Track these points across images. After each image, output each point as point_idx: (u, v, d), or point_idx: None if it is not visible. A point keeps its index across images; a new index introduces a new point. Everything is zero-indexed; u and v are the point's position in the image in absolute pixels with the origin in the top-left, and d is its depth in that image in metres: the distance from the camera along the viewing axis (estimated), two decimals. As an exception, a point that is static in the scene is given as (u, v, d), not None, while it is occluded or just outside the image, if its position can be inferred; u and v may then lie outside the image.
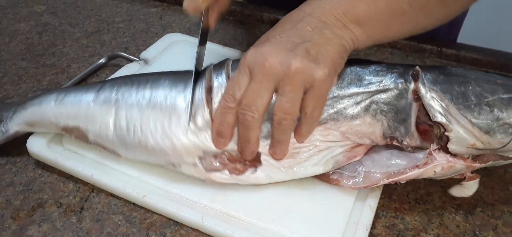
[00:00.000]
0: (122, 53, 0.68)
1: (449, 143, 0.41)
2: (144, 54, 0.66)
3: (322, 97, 0.41)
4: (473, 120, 0.40)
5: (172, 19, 0.82)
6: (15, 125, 0.51)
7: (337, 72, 0.42)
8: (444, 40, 0.68)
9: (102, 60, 0.67)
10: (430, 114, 0.41)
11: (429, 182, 0.47)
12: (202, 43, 0.50)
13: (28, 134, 0.51)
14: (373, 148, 0.45)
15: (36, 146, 0.50)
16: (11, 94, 0.62)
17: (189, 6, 0.45)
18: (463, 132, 0.41)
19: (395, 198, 0.46)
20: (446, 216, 0.44)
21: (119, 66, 0.64)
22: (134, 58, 0.66)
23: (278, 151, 0.44)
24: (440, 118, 0.41)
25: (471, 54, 0.65)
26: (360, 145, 0.45)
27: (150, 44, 0.69)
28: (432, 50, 0.67)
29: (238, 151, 0.44)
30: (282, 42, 0.41)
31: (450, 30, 0.76)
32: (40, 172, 0.49)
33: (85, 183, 0.48)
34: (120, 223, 0.44)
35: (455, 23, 0.77)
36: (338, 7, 0.42)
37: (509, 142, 0.40)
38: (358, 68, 0.44)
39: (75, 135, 0.49)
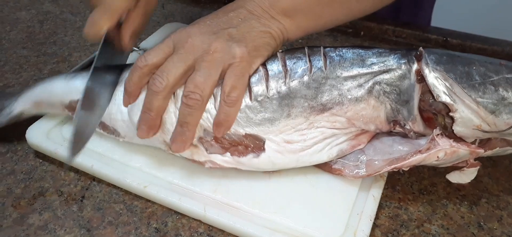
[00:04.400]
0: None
1: (454, 124, 0.41)
2: (144, 44, 0.65)
3: (241, 77, 0.42)
4: (478, 99, 0.40)
5: (174, 8, 0.81)
6: (21, 104, 0.50)
7: (260, 56, 0.43)
8: (443, 29, 0.67)
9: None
10: (434, 95, 0.41)
11: (433, 173, 0.47)
12: (106, 69, 0.47)
13: (29, 122, 0.51)
14: (375, 136, 0.44)
15: (35, 136, 0.49)
16: (12, 82, 0.61)
17: (89, 31, 0.45)
18: (468, 111, 0.40)
19: (399, 188, 0.46)
20: (451, 207, 0.44)
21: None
22: (134, 48, 0.65)
23: (178, 139, 0.42)
24: (444, 98, 0.40)
25: (476, 44, 0.64)
26: (363, 132, 0.44)
27: (151, 33, 0.69)
28: (437, 40, 0.66)
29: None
30: (210, 26, 0.43)
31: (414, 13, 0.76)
32: (41, 161, 0.49)
33: (87, 173, 0.47)
34: (121, 212, 0.44)
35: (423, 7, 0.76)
36: (265, 0, 0.44)
37: None
38: (361, 51, 0.44)
39: None
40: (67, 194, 0.45)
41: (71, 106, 0.49)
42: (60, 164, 0.49)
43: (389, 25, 0.69)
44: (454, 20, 0.81)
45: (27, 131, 0.50)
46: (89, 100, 0.44)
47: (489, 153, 0.44)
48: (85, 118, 0.43)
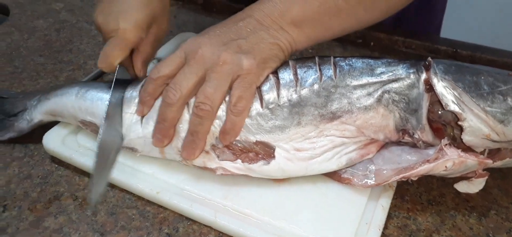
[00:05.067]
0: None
1: (463, 133, 0.41)
2: (158, 53, 0.66)
3: (248, 88, 0.43)
4: (487, 108, 0.40)
5: (186, 18, 0.82)
6: (39, 114, 0.52)
7: (268, 68, 0.44)
8: (453, 40, 0.68)
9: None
10: (443, 103, 0.41)
11: (442, 183, 0.47)
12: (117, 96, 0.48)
13: (45, 128, 0.52)
14: (384, 146, 0.45)
15: (51, 143, 0.50)
16: (29, 89, 0.63)
17: (102, 64, 0.47)
18: (477, 120, 0.41)
19: (408, 198, 0.46)
20: (459, 218, 0.44)
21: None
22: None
23: (188, 147, 0.44)
24: (453, 107, 0.41)
25: (486, 56, 0.65)
26: (373, 142, 0.45)
27: (164, 43, 0.70)
28: (446, 51, 0.67)
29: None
30: (220, 36, 0.44)
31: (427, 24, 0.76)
32: (56, 166, 0.50)
33: (100, 178, 0.48)
34: (134, 217, 0.45)
35: (434, 17, 0.77)
36: (274, 11, 0.45)
37: None
38: (370, 61, 0.45)
39: (91, 129, 0.50)
40: (82, 198, 0.47)
41: (83, 123, 0.50)
42: (75, 169, 0.50)
43: (398, 36, 0.69)
44: (464, 32, 0.82)
45: (44, 137, 0.51)
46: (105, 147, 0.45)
47: (498, 163, 0.44)
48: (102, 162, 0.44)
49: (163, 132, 0.44)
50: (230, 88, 0.43)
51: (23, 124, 0.52)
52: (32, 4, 0.88)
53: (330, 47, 0.71)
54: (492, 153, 0.44)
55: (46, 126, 0.53)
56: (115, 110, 0.47)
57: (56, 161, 0.51)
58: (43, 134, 0.51)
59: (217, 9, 0.86)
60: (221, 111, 0.44)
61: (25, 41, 0.75)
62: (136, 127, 0.47)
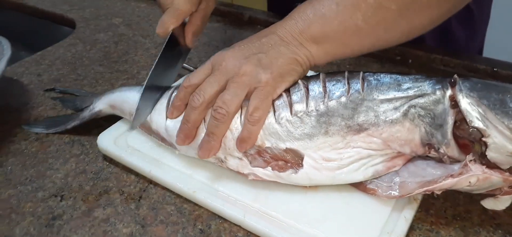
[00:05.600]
0: (185, 64, 0.74)
1: (487, 149, 0.42)
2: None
3: (264, 99, 0.47)
4: (511, 125, 0.41)
5: (233, 33, 0.87)
6: (101, 104, 0.60)
7: (285, 82, 0.48)
8: (494, 59, 0.67)
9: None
10: (467, 120, 0.42)
11: (469, 200, 0.48)
12: (172, 58, 0.59)
13: (99, 129, 0.58)
14: (410, 160, 0.46)
15: (105, 142, 0.56)
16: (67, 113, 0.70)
17: (159, 29, 0.56)
18: (501, 137, 0.41)
19: (433, 212, 0.47)
20: (483, 234, 0.44)
21: (181, 76, 0.70)
22: (194, 69, 0.72)
23: (204, 147, 0.48)
24: (477, 123, 0.42)
25: (527, 76, 0.64)
26: (399, 155, 0.46)
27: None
28: (485, 70, 0.66)
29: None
30: (243, 50, 0.49)
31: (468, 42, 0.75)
32: (107, 164, 0.56)
33: (145, 177, 0.53)
34: (172, 213, 0.49)
35: (474, 36, 0.76)
36: (295, 28, 0.48)
37: None
38: (398, 76, 0.47)
39: (144, 128, 0.56)
40: (127, 193, 0.52)
41: None
42: (123, 167, 0.55)
43: (437, 54, 0.70)
44: (507, 52, 0.80)
45: (98, 138, 0.57)
46: (152, 84, 0.55)
47: (526, 182, 0.44)
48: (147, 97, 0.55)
49: (186, 132, 0.49)
50: (248, 98, 0.47)
51: (86, 112, 0.60)
52: (96, 19, 0.97)
53: (367, 63, 0.73)
54: (521, 172, 0.44)
55: (100, 126, 0.59)
56: (164, 63, 0.56)
57: (108, 159, 0.57)
58: (98, 135, 0.57)
59: (261, 27, 0.90)
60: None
61: (88, 52, 0.83)
62: (164, 116, 0.54)
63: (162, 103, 0.54)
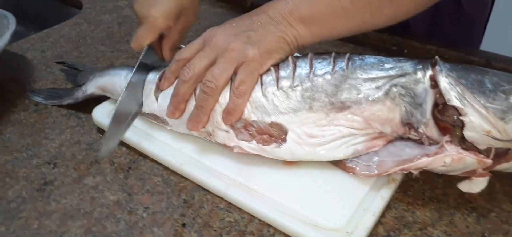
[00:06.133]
0: (182, 46, 0.75)
1: (464, 128, 0.43)
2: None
3: (250, 74, 0.48)
4: (487, 104, 0.42)
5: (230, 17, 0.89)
6: (92, 87, 0.61)
7: (272, 58, 0.49)
8: (490, 52, 0.67)
9: None
10: (445, 99, 0.43)
11: (447, 184, 0.48)
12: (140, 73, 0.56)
13: (97, 103, 0.60)
14: (390, 141, 0.47)
15: (99, 115, 0.58)
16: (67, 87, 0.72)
17: (133, 44, 0.56)
18: (477, 116, 0.42)
19: (411, 193, 0.48)
20: (458, 216, 0.45)
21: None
22: None
23: (193, 119, 0.50)
24: (455, 102, 0.43)
25: (520, 69, 0.64)
26: (380, 136, 0.47)
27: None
28: (479, 63, 0.67)
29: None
30: (233, 28, 0.50)
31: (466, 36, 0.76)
32: (101, 136, 0.58)
33: (136, 150, 0.55)
34: (158, 184, 0.51)
35: (469, 36, 0.76)
36: (285, 8, 0.49)
37: None
38: (382, 57, 0.48)
39: None
40: (117, 164, 0.54)
41: None
42: (116, 139, 0.57)
43: (432, 45, 0.70)
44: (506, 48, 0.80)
45: (93, 111, 0.59)
46: (129, 94, 0.54)
47: (505, 165, 0.44)
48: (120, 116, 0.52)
49: (176, 105, 0.51)
50: (235, 73, 0.49)
51: (79, 93, 0.62)
52: (102, 1, 0.99)
53: (364, 51, 0.73)
54: (500, 155, 0.45)
55: (98, 100, 0.61)
56: (137, 82, 0.55)
57: (102, 131, 0.59)
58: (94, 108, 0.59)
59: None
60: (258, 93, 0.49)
61: (92, 32, 0.85)
62: (153, 98, 0.55)
63: (151, 88, 0.55)
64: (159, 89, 0.54)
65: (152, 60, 0.58)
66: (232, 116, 0.49)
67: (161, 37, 0.59)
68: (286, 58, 0.51)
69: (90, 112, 0.60)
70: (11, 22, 0.69)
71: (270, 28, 0.49)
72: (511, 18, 1.36)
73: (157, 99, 0.55)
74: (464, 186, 0.45)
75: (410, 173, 0.46)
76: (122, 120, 0.52)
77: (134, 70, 0.55)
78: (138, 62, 0.56)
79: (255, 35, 0.49)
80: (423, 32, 0.74)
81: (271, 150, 0.49)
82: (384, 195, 0.46)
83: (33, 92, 0.66)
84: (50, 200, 0.49)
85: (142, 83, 0.56)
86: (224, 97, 0.50)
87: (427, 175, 0.49)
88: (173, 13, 0.56)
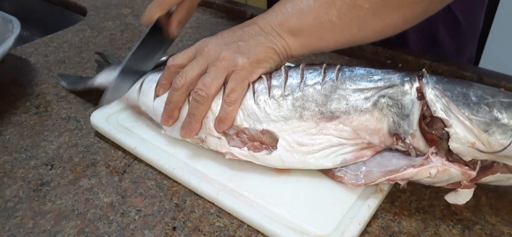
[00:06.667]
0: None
1: (450, 140, 0.44)
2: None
3: (240, 82, 0.50)
4: (471, 116, 0.43)
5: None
6: (100, 79, 0.65)
7: (261, 68, 0.51)
8: (482, 68, 0.69)
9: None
10: (431, 110, 0.44)
11: (434, 195, 0.49)
12: (153, 45, 0.62)
13: (95, 108, 0.61)
14: (378, 152, 0.48)
15: (97, 119, 0.60)
16: (91, 76, 0.74)
17: (144, 18, 0.58)
18: (462, 128, 0.43)
19: (398, 204, 0.49)
20: (443, 227, 0.46)
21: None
22: None
23: (186, 127, 0.51)
24: (440, 113, 0.44)
25: (511, 85, 0.65)
26: (369, 147, 0.48)
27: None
28: (471, 78, 0.68)
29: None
30: (225, 38, 0.52)
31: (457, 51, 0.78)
32: (98, 139, 0.59)
33: (132, 154, 0.56)
34: (152, 187, 0.52)
35: (463, 48, 0.77)
36: (275, 20, 0.51)
37: (509, 144, 0.41)
38: (371, 69, 0.50)
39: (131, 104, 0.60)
40: (113, 167, 0.55)
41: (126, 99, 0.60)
42: (112, 143, 0.58)
43: (426, 60, 0.72)
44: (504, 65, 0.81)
45: (91, 115, 0.60)
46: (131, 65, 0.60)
47: (490, 178, 0.45)
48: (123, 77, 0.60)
49: (169, 112, 0.52)
50: (226, 81, 0.50)
51: (90, 82, 0.65)
52: (106, 8, 1.01)
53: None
54: (485, 168, 0.46)
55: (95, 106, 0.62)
56: (144, 50, 0.60)
57: (99, 135, 0.60)
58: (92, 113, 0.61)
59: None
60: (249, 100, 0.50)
61: (94, 38, 0.87)
62: (151, 99, 0.57)
63: (150, 86, 0.57)
64: (155, 95, 0.56)
65: (159, 38, 0.63)
66: (224, 124, 0.50)
67: (169, 16, 0.62)
68: (279, 68, 0.53)
69: (89, 116, 0.61)
70: (16, 27, 0.71)
71: (260, 38, 0.51)
72: (510, 36, 1.37)
73: (153, 103, 0.56)
74: (450, 198, 0.45)
75: (398, 184, 0.47)
76: (127, 76, 0.59)
77: (142, 39, 0.60)
78: (147, 31, 0.61)
79: (245, 45, 0.51)
80: (420, 45, 0.76)
81: (262, 157, 0.50)
82: (371, 204, 0.47)
83: (61, 76, 0.72)
84: (45, 200, 0.50)
85: (148, 54, 0.61)
86: (217, 105, 0.51)
87: (414, 186, 0.50)
88: None
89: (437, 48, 0.75)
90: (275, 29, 0.51)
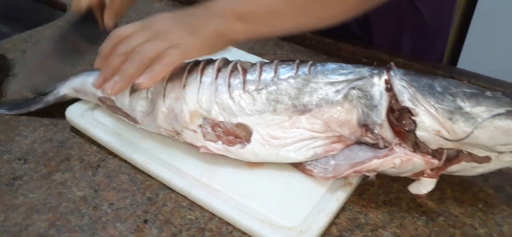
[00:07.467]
0: None
1: (416, 128, 0.45)
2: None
3: (179, 54, 0.49)
4: (437, 105, 0.44)
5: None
6: (65, 88, 0.62)
7: (206, 50, 0.52)
8: (455, 67, 0.70)
9: None
10: (399, 100, 0.46)
11: (401, 188, 0.50)
12: (81, 36, 0.59)
13: (70, 104, 0.62)
14: (347, 146, 0.49)
15: (72, 114, 0.60)
16: (69, 73, 0.73)
17: (74, 5, 0.58)
18: (428, 116, 0.45)
19: (366, 197, 0.50)
20: (408, 219, 0.47)
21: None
22: None
23: (109, 83, 0.49)
24: (407, 103, 0.45)
25: (480, 83, 0.66)
26: (339, 141, 0.50)
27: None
28: (443, 76, 0.69)
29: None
30: (175, 16, 0.52)
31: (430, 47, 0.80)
32: (73, 134, 0.60)
33: (106, 148, 0.57)
34: (125, 181, 0.52)
35: (431, 47, 0.80)
36: (226, 5, 0.52)
37: (472, 131, 0.43)
38: (343, 64, 0.51)
39: (107, 104, 0.59)
40: (87, 161, 0.55)
41: (101, 100, 0.59)
42: (88, 138, 0.59)
43: (400, 59, 0.73)
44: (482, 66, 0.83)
45: (67, 110, 0.60)
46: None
47: (455, 167, 0.46)
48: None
49: (105, 76, 0.50)
50: None
51: (50, 97, 0.62)
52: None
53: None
54: (451, 158, 0.47)
55: (70, 102, 0.62)
56: (67, 37, 0.58)
57: (74, 130, 0.60)
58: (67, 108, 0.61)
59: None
60: (223, 94, 0.51)
61: (74, 35, 0.87)
62: (141, 103, 0.56)
63: None
64: (132, 89, 0.56)
65: (93, 30, 0.59)
66: (146, 80, 0.48)
67: (103, 5, 0.60)
68: (255, 64, 0.54)
69: (63, 112, 0.61)
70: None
71: (210, 20, 0.51)
72: (488, 37, 1.40)
73: (129, 98, 0.56)
74: (413, 188, 0.47)
75: (367, 177, 0.48)
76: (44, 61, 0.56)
77: (69, 26, 0.58)
78: (73, 19, 0.58)
79: (195, 25, 0.51)
80: (385, 42, 0.78)
81: (236, 150, 0.50)
82: (339, 197, 0.48)
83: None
84: (18, 194, 0.50)
85: (71, 42, 0.59)
86: (190, 98, 0.51)
87: (382, 179, 0.51)
88: None
89: (402, 45, 0.77)
90: (225, 13, 0.52)
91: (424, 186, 0.46)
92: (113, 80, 0.49)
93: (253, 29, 0.53)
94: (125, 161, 0.55)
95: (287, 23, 0.53)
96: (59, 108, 0.64)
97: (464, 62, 0.93)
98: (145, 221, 0.47)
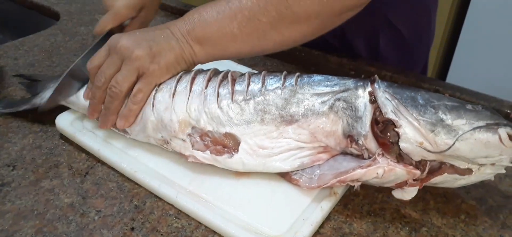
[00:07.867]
0: None
1: (399, 140, 0.46)
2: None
3: (148, 85, 0.54)
4: (419, 117, 0.45)
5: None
6: (49, 95, 0.61)
7: (169, 73, 0.55)
8: (439, 81, 0.72)
9: None
10: (383, 112, 0.47)
11: (386, 199, 0.51)
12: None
13: (60, 112, 0.62)
14: (332, 156, 0.50)
15: (62, 122, 0.60)
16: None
17: (97, 28, 0.62)
18: (411, 128, 0.46)
19: (350, 207, 0.51)
20: (392, 230, 0.48)
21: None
22: None
23: (103, 119, 0.56)
24: (390, 115, 0.47)
25: (465, 97, 0.68)
26: (325, 151, 0.50)
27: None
28: (429, 89, 0.70)
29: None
30: (138, 37, 0.54)
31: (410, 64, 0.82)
32: (63, 142, 0.60)
33: (95, 156, 0.57)
34: (113, 189, 0.53)
35: (411, 60, 0.82)
36: (184, 28, 0.55)
37: (453, 143, 0.44)
38: (329, 76, 0.52)
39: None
40: (75, 169, 0.55)
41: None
42: (77, 146, 0.59)
43: (387, 71, 0.74)
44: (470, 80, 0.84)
45: (57, 118, 0.61)
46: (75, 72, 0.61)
47: (438, 179, 0.47)
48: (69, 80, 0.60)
49: (94, 107, 0.56)
50: (137, 79, 0.54)
51: (37, 99, 0.63)
52: (80, 14, 1.02)
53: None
54: (434, 170, 0.48)
55: (61, 110, 0.63)
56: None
57: (64, 138, 0.60)
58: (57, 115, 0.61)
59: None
60: (213, 104, 0.52)
61: (66, 43, 0.88)
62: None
63: None
64: (85, 97, 0.59)
65: None
66: (126, 120, 0.54)
67: (122, 28, 0.64)
68: (243, 74, 0.55)
69: (53, 120, 0.61)
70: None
71: (171, 43, 0.54)
72: (476, 52, 1.42)
73: None
74: (397, 193, 0.48)
75: (352, 187, 0.49)
76: (73, 79, 0.61)
77: (91, 47, 0.61)
78: (96, 41, 0.62)
79: (157, 47, 0.53)
80: (366, 55, 0.79)
81: (224, 160, 0.51)
82: (324, 206, 0.49)
83: None
84: (5, 201, 0.51)
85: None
86: (179, 107, 0.52)
87: (367, 190, 0.52)
88: (136, 6, 0.64)
89: (381, 59, 0.79)
90: (184, 36, 0.54)
91: (408, 193, 0.47)
92: (104, 117, 0.56)
93: (211, 52, 0.55)
94: (113, 169, 0.55)
95: (245, 48, 0.55)
96: (49, 115, 0.64)
97: (454, 75, 0.95)
98: (132, 229, 0.48)
